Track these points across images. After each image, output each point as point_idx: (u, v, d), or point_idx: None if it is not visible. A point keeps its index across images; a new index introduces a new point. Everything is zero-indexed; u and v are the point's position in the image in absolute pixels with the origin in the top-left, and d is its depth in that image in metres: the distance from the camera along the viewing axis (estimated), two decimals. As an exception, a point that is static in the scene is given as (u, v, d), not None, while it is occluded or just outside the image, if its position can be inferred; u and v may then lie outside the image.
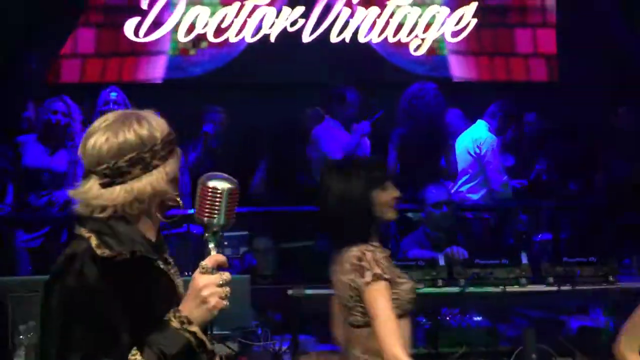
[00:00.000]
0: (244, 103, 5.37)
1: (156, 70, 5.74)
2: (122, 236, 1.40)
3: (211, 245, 1.41)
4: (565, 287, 3.07)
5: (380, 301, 1.96)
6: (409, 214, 4.27)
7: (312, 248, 4.43)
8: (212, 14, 5.64)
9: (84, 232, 1.41)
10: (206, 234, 1.42)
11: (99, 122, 1.46)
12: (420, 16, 5.78)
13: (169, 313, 1.38)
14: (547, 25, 6.03)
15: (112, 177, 1.41)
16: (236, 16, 5.62)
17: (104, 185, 1.41)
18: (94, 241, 1.39)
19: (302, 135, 4.69)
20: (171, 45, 5.71)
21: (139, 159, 1.41)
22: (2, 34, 3.61)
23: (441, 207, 3.66)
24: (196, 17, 5.62)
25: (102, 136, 1.42)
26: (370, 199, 2.06)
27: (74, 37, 5.48)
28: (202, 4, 5.67)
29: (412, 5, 5.79)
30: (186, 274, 3.26)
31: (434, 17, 5.80)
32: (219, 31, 5.64)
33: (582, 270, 3.09)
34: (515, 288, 3.10)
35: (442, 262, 3.15)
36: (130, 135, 1.42)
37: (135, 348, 1.35)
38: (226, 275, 1.40)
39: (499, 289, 3.07)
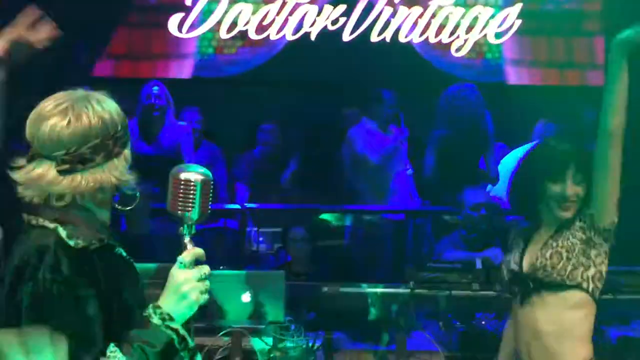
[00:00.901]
0: (281, 100, 5.40)
1: (187, 69, 5.78)
2: (85, 225, 1.34)
3: (187, 239, 1.36)
4: (607, 295, 2.98)
5: None
6: (446, 217, 4.23)
7: (345, 247, 4.43)
8: (255, 11, 5.69)
9: (44, 222, 1.33)
10: (180, 228, 1.37)
11: (52, 104, 1.35)
12: (463, 16, 5.72)
13: (148, 309, 1.33)
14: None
15: (72, 164, 1.33)
16: (278, 14, 5.65)
17: (62, 172, 1.32)
18: (62, 231, 1.31)
19: (338, 135, 4.69)
20: (207, 43, 5.74)
21: (103, 145, 1.34)
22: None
23: (479, 210, 3.61)
24: (238, 14, 5.67)
25: (62, 120, 1.33)
26: (540, 187, 2.04)
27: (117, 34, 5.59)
28: (244, 1, 5.71)
29: (455, 5, 5.73)
30: (220, 268, 3.27)
31: (476, 17, 5.73)
32: (260, 28, 5.68)
33: (625, 279, 3.01)
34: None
35: (479, 265, 3.10)
36: (94, 120, 1.34)
37: (113, 344, 1.28)
38: (205, 269, 1.36)
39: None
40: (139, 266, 1.44)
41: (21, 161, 1.35)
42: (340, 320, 2.98)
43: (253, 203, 4.39)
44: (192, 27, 5.66)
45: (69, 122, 1.33)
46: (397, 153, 4.45)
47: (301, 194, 4.63)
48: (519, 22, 5.74)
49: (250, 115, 5.14)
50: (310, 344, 2.80)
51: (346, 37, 5.64)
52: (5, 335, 1.25)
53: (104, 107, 1.37)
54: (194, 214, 1.35)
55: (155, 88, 4.33)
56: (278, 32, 5.67)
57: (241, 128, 5.26)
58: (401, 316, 2.99)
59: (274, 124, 4.81)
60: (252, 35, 5.68)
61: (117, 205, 1.42)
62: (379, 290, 3.03)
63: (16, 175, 1.34)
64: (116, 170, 1.36)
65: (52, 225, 1.32)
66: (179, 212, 1.36)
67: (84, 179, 1.33)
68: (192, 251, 1.36)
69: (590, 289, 2.04)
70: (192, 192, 1.34)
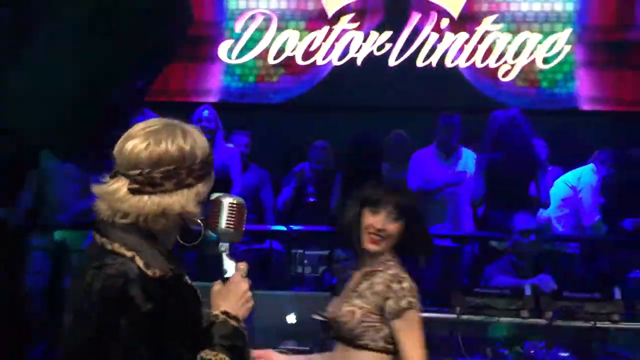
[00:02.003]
0: (328, 125, 5.46)
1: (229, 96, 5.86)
2: (157, 254, 1.38)
3: (227, 254, 1.50)
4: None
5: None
6: (493, 243, 4.18)
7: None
8: (301, 38, 5.79)
9: (121, 249, 1.35)
10: (223, 245, 1.49)
11: (141, 127, 1.42)
12: (510, 42, 5.70)
13: (219, 315, 1.43)
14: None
15: (142, 185, 1.37)
16: (324, 40, 5.75)
17: (132, 191, 1.37)
18: (139, 261, 1.34)
19: (382, 157, 4.70)
20: (249, 72, 5.85)
21: (175, 173, 1.38)
22: (113, 54, 3.87)
23: (528, 236, 3.55)
24: (285, 41, 5.79)
25: (143, 142, 1.38)
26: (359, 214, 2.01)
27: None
28: (292, 28, 5.83)
29: (502, 31, 5.72)
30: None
31: (524, 43, 5.70)
32: (307, 54, 5.78)
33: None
34: (607, 324, 2.94)
35: (528, 292, 3.04)
36: (172, 148, 1.38)
37: (207, 350, 1.38)
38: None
39: (589, 324, 2.93)
40: None
41: (106, 177, 1.42)
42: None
43: (299, 225, 4.42)
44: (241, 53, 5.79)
45: (148, 144, 1.38)
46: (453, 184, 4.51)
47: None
48: (567, 47, 5.69)
49: (296, 140, 5.21)
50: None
51: (392, 62, 5.69)
52: None
53: (186, 138, 1.40)
54: (236, 232, 1.49)
55: (206, 112, 4.45)
56: (324, 57, 5.76)
57: (288, 152, 5.33)
58: (448, 342, 2.95)
59: (327, 143, 4.83)
60: (299, 61, 5.78)
61: (180, 241, 1.48)
62: (425, 314, 2.99)
63: (96, 189, 1.40)
64: (184, 200, 1.38)
65: (129, 254, 1.34)
66: (225, 228, 1.48)
67: (149, 201, 1.36)
68: (244, 264, 1.51)
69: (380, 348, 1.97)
70: (235, 212, 1.49)
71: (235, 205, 1.49)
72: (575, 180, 4.46)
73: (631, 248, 4.42)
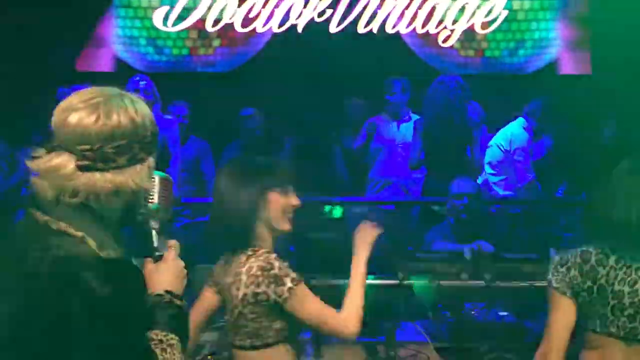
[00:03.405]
0: (269, 93, 5.37)
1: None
2: (108, 234, 1.29)
3: (158, 231, 1.48)
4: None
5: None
6: (435, 207, 4.23)
7: (333, 239, 4.40)
8: (240, 4, 5.63)
9: (69, 228, 1.25)
10: (154, 222, 1.46)
11: (83, 98, 1.28)
12: (449, 8, 5.70)
13: (166, 294, 1.40)
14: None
15: (94, 161, 1.26)
16: (263, 6, 5.61)
17: (81, 168, 1.25)
18: (91, 242, 1.25)
19: (326, 126, 4.68)
20: (182, 44, 5.66)
21: (128, 148, 1.28)
22: (35, 21, 3.67)
23: (462, 198, 3.60)
24: (223, 7, 5.61)
25: (90, 114, 1.26)
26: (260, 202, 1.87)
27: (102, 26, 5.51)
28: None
29: (441, -4, 5.71)
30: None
31: (463, 8, 5.71)
32: (246, 22, 5.63)
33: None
34: (544, 283, 3.02)
35: (467, 255, 3.09)
36: (124, 121, 1.28)
37: (157, 330, 1.35)
38: None
39: (526, 284, 3.01)
40: None
41: (41, 151, 1.28)
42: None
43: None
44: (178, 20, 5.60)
45: (98, 117, 1.26)
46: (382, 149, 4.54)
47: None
48: (505, 12, 5.73)
49: (237, 111, 5.10)
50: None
51: (333, 28, 5.61)
52: None
53: (137, 109, 1.31)
54: (165, 209, 1.47)
55: (142, 82, 4.29)
56: (264, 24, 5.63)
57: (230, 122, 5.22)
58: (390, 307, 2.98)
59: (254, 109, 4.77)
60: (238, 29, 5.63)
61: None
62: (368, 281, 3.00)
63: (33, 165, 1.27)
64: (137, 176, 1.30)
65: (78, 234, 1.25)
66: (157, 205, 1.46)
67: (102, 179, 1.27)
68: (174, 241, 1.48)
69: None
70: (165, 187, 1.46)
71: (166, 181, 1.45)
72: (507, 143, 4.47)
73: (565, 211, 4.54)
